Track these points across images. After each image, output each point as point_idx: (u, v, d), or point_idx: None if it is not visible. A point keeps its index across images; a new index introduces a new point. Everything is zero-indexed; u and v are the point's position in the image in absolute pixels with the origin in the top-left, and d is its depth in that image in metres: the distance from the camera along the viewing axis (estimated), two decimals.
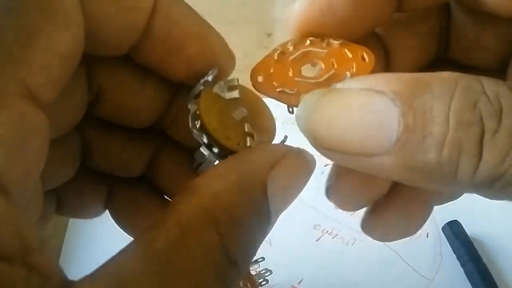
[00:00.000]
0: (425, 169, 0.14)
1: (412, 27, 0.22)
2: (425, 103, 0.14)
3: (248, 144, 0.20)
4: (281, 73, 0.20)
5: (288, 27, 0.20)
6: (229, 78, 0.21)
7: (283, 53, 0.21)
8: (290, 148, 0.19)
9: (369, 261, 0.41)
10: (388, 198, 0.23)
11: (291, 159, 0.18)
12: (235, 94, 0.21)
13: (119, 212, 0.26)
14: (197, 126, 0.19)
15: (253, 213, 0.17)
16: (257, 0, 0.67)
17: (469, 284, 0.39)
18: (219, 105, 0.20)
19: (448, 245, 0.42)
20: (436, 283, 0.40)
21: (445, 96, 0.14)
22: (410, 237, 0.43)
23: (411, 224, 0.24)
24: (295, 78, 0.20)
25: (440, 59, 0.24)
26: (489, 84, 0.14)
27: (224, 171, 0.18)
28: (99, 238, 0.43)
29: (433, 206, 0.25)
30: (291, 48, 0.21)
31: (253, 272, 0.35)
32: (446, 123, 0.13)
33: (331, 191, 0.23)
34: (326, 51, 0.20)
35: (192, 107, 0.20)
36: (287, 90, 0.19)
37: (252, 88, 0.21)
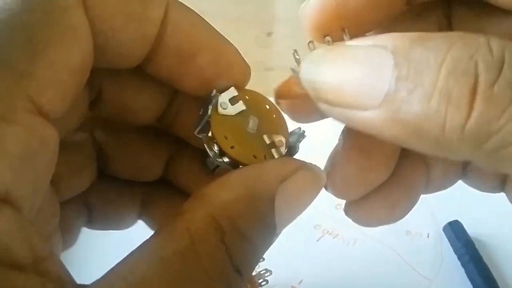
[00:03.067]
0: (413, 122, 0.13)
1: (417, 23, 0.22)
2: (422, 54, 0.13)
3: (276, 156, 0.20)
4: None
5: (303, 23, 0.20)
6: (226, 91, 0.21)
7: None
8: (303, 164, 0.19)
9: (370, 262, 0.41)
10: None
11: (302, 175, 0.18)
12: (241, 106, 0.20)
13: (153, 220, 0.26)
14: (217, 151, 0.20)
15: (258, 225, 0.17)
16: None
17: (470, 285, 0.39)
18: (230, 125, 0.20)
19: (449, 245, 0.42)
20: (437, 284, 0.40)
21: (443, 46, 0.13)
22: (411, 237, 0.43)
23: (395, 211, 0.24)
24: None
25: None
26: (496, 39, 0.13)
27: (234, 181, 0.18)
28: (99, 239, 0.43)
29: (420, 195, 0.24)
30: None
31: (253, 273, 0.35)
32: (437, 73, 0.13)
33: (329, 178, 0.22)
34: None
35: (204, 137, 0.20)
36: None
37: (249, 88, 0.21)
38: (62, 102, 0.16)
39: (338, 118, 0.17)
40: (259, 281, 0.35)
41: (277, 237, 0.18)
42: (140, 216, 0.26)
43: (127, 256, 0.16)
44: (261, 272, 0.36)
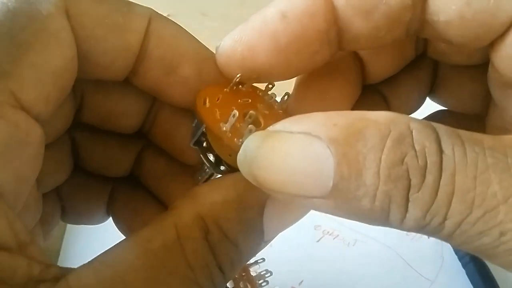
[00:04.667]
0: (361, 213, 0.15)
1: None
2: (359, 154, 0.15)
3: None
4: (225, 107, 0.19)
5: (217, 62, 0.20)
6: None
7: (238, 90, 0.20)
8: None
9: (370, 262, 0.41)
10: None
11: None
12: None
13: (119, 216, 0.26)
14: (213, 160, 0.20)
15: (244, 230, 0.17)
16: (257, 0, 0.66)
17: (471, 285, 0.39)
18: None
19: (450, 246, 0.42)
20: (438, 284, 0.40)
21: (377, 147, 0.14)
22: (411, 237, 0.43)
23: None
24: (237, 123, 0.19)
25: (421, 57, 0.24)
26: (419, 136, 0.15)
27: (225, 184, 0.18)
28: (98, 239, 0.43)
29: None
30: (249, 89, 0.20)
31: (253, 273, 0.35)
32: (377, 175, 0.14)
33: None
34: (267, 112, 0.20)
35: (200, 148, 0.20)
36: (224, 127, 0.19)
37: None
38: (46, 104, 0.17)
39: (285, 200, 0.17)
40: (259, 281, 0.35)
41: (266, 244, 0.19)
42: (108, 212, 0.26)
43: (115, 245, 0.16)
44: (262, 273, 0.36)
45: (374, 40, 0.20)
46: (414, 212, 0.15)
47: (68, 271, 0.15)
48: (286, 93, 0.21)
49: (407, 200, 0.14)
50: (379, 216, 0.15)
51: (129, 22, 0.19)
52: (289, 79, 0.21)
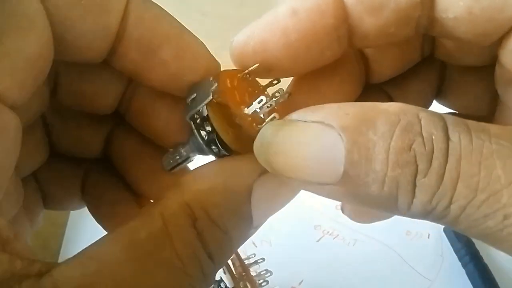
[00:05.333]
0: (370, 199, 0.16)
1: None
2: (369, 141, 0.15)
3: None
4: (241, 92, 0.20)
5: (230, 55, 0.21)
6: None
7: (246, 79, 0.20)
8: None
9: (370, 262, 0.41)
10: None
11: None
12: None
13: (90, 199, 0.26)
14: (205, 137, 0.20)
15: (232, 216, 0.17)
16: (257, 0, 0.66)
17: (471, 285, 0.39)
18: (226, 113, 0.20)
19: (450, 245, 0.42)
20: (437, 284, 0.40)
21: (387, 134, 0.15)
22: (411, 237, 0.44)
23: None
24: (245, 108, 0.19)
25: (429, 59, 0.25)
26: (427, 124, 0.15)
27: (211, 171, 0.18)
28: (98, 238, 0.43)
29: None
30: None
31: (253, 273, 0.35)
32: (386, 162, 0.15)
33: (345, 208, 0.24)
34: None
35: (195, 123, 0.20)
36: (245, 110, 0.19)
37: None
38: (21, 91, 0.17)
39: (299, 188, 0.18)
40: (259, 281, 0.35)
41: (256, 230, 0.19)
42: (82, 196, 0.26)
43: (101, 238, 0.16)
44: (262, 273, 0.36)
45: (383, 38, 0.20)
46: (420, 196, 0.15)
47: (52, 265, 0.15)
48: (280, 89, 0.21)
49: (414, 185, 0.15)
50: (388, 202, 0.15)
51: (107, 1, 0.18)
52: (299, 75, 0.22)
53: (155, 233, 0.16)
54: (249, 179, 0.18)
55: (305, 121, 0.16)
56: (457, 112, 0.26)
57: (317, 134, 0.16)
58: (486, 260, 0.40)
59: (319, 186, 0.16)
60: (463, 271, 0.40)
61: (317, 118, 0.16)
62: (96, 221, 0.25)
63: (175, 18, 0.20)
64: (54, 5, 0.17)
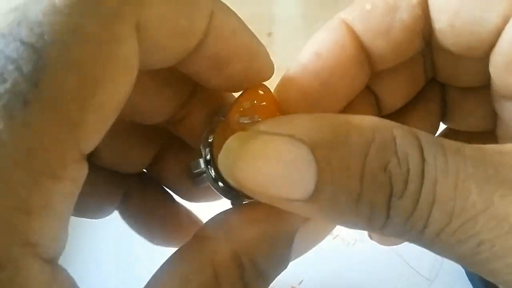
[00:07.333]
0: (342, 218, 0.15)
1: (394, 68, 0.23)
2: (342, 160, 0.15)
3: None
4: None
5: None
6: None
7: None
8: None
9: (370, 262, 0.41)
10: None
11: None
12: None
13: (130, 212, 0.26)
14: (208, 158, 0.20)
15: (275, 263, 0.17)
16: (257, 0, 0.66)
17: (470, 285, 0.39)
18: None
19: None
20: (437, 284, 0.40)
21: (361, 153, 0.15)
22: None
23: None
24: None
25: (430, 84, 0.25)
26: (402, 143, 0.15)
27: (260, 217, 0.18)
28: (100, 237, 0.43)
29: None
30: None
31: None
32: (360, 182, 0.14)
33: (373, 236, 0.24)
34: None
35: (204, 140, 0.20)
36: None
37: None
38: (99, 139, 0.15)
39: (267, 202, 0.17)
40: None
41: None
42: (117, 207, 0.26)
43: (154, 280, 0.16)
44: None
45: (397, 55, 0.21)
46: (395, 218, 0.15)
47: None
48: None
49: (389, 206, 0.15)
50: (361, 221, 0.15)
51: (192, 24, 0.17)
52: (339, 109, 0.22)
53: (205, 283, 0.16)
54: (293, 226, 0.18)
55: (274, 133, 0.16)
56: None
57: (285, 148, 0.15)
58: None
59: (289, 203, 0.15)
60: (463, 271, 0.40)
61: (287, 130, 0.15)
62: (134, 230, 0.26)
63: (247, 27, 0.20)
64: (148, 36, 0.15)
